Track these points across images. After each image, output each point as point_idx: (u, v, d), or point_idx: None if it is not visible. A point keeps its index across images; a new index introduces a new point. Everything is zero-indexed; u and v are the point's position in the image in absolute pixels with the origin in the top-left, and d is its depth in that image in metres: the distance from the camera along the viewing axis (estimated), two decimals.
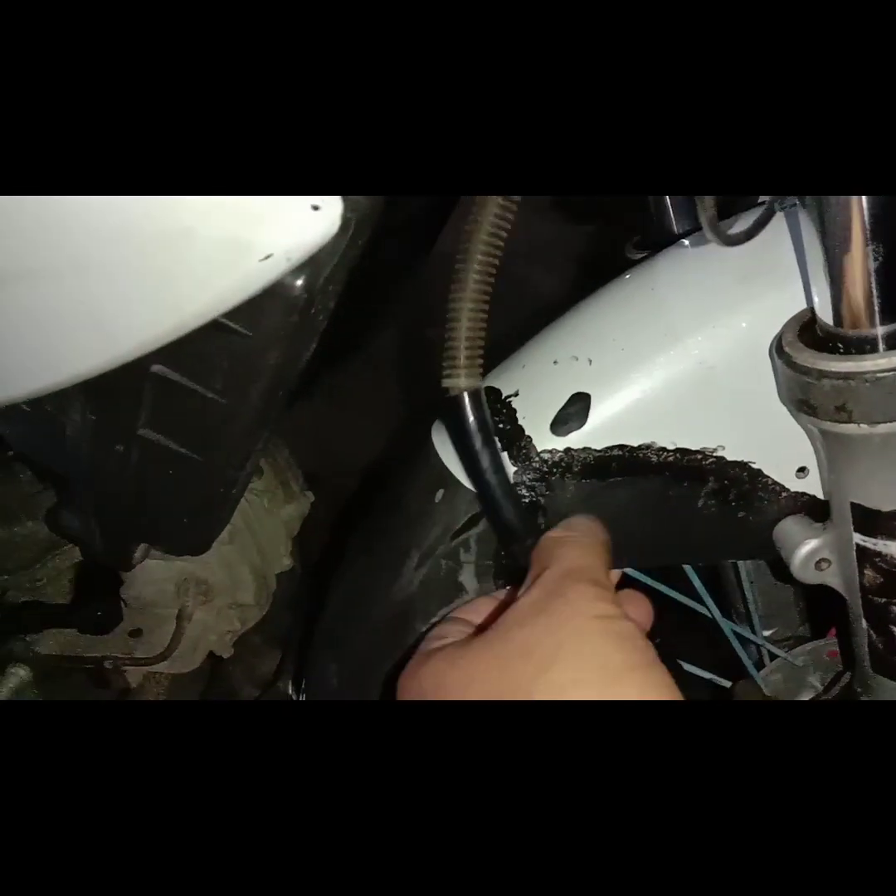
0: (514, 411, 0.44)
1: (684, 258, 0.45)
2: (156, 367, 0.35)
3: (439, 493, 0.45)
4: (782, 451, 0.42)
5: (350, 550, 0.52)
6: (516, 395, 0.45)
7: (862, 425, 0.34)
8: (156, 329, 0.32)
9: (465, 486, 0.44)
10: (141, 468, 0.39)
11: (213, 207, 0.26)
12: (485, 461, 0.41)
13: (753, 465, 0.43)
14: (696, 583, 0.53)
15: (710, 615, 0.54)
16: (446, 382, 0.40)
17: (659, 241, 0.54)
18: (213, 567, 0.78)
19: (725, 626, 0.55)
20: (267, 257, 0.27)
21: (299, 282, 0.31)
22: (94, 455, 0.40)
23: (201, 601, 0.78)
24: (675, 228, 0.54)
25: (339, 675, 0.51)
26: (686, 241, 0.47)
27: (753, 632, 0.59)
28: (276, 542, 0.82)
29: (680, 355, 0.41)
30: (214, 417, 0.36)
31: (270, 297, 0.31)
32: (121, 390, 0.36)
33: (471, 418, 0.40)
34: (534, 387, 0.44)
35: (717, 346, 0.41)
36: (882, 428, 0.34)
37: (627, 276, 0.47)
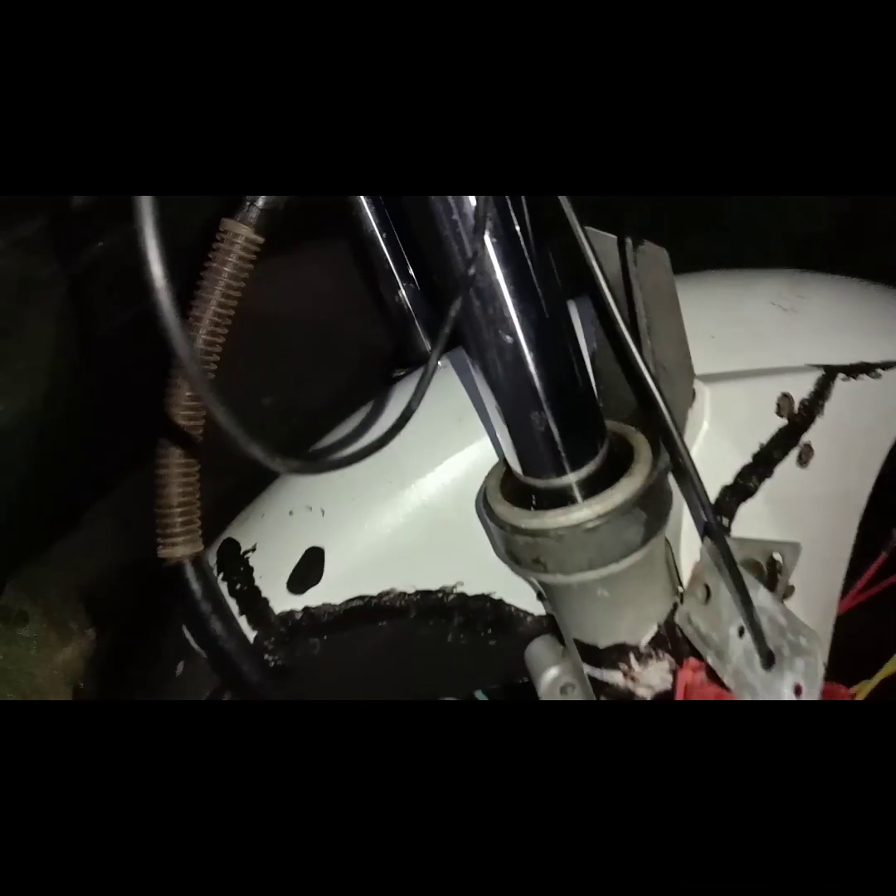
0: (252, 570, 0.43)
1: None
2: None
3: (179, 667, 0.43)
4: (519, 579, 0.43)
5: None
6: (254, 549, 0.43)
7: (557, 575, 0.35)
8: None
9: (204, 657, 0.42)
10: None
11: None
12: (217, 628, 0.39)
13: (494, 596, 0.43)
14: None
15: None
16: (163, 552, 0.38)
17: (413, 359, 0.55)
18: None
19: None
20: None
21: None
22: None
23: None
24: (425, 348, 0.55)
25: None
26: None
27: None
28: (52, 692, 0.74)
29: (408, 501, 0.41)
30: None
31: None
32: None
33: (195, 586, 0.38)
34: (271, 540, 0.43)
35: (443, 489, 0.41)
36: (576, 577, 0.35)
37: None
